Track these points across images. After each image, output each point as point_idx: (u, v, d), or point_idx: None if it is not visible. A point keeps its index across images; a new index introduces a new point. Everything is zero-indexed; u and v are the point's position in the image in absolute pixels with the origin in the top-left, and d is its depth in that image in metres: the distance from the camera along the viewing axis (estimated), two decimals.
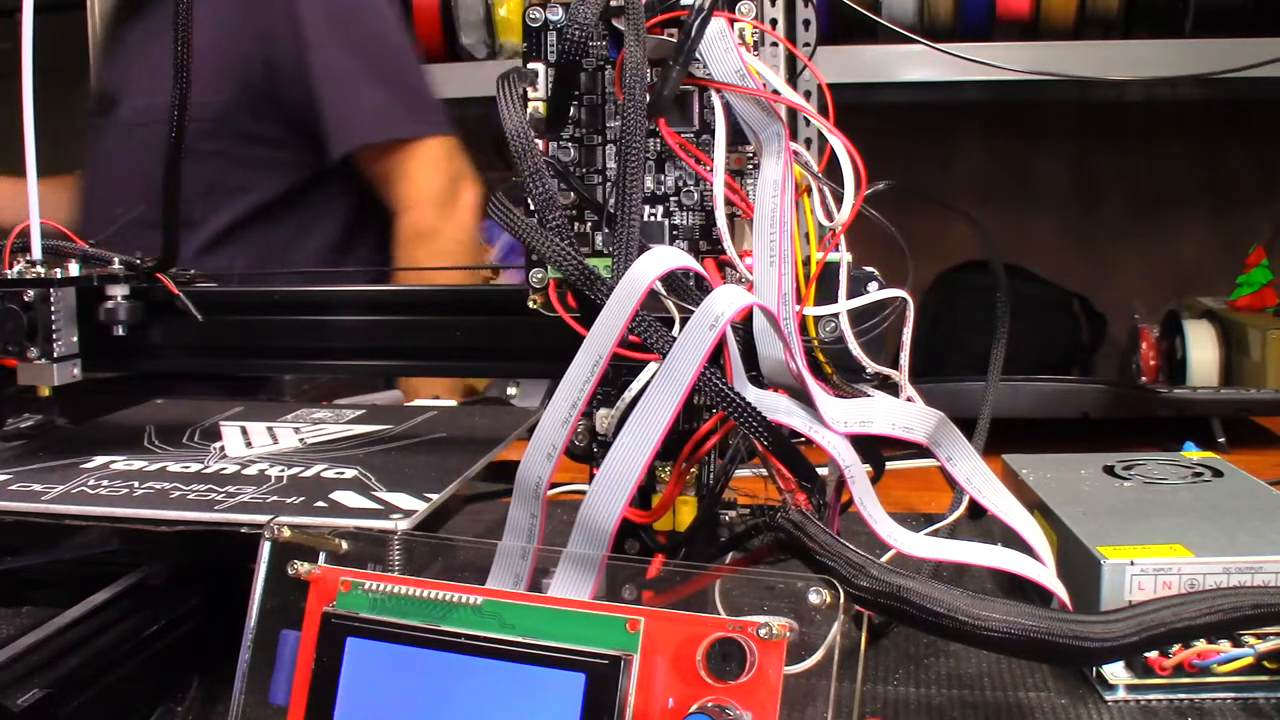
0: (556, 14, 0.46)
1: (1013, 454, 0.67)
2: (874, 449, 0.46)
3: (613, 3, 0.45)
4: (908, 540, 0.43)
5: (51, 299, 0.60)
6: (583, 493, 0.39)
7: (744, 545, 0.44)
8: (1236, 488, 0.60)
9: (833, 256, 0.45)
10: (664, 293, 0.42)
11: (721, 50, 0.43)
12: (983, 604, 0.37)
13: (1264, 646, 0.46)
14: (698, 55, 0.44)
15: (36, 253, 0.61)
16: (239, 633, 0.40)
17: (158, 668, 0.48)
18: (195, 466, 0.58)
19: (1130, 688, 0.47)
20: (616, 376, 0.44)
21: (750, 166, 0.46)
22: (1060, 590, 0.43)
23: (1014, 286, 0.60)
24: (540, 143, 0.46)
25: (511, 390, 1.25)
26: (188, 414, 0.72)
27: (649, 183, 0.47)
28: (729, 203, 0.45)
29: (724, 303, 0.38)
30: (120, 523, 0.50)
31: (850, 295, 0.45)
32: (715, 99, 0.44)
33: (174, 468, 0.57)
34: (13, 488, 0.54)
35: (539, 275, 0.46)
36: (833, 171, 0.45)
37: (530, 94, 0.46)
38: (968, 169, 1.55)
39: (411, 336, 0.63)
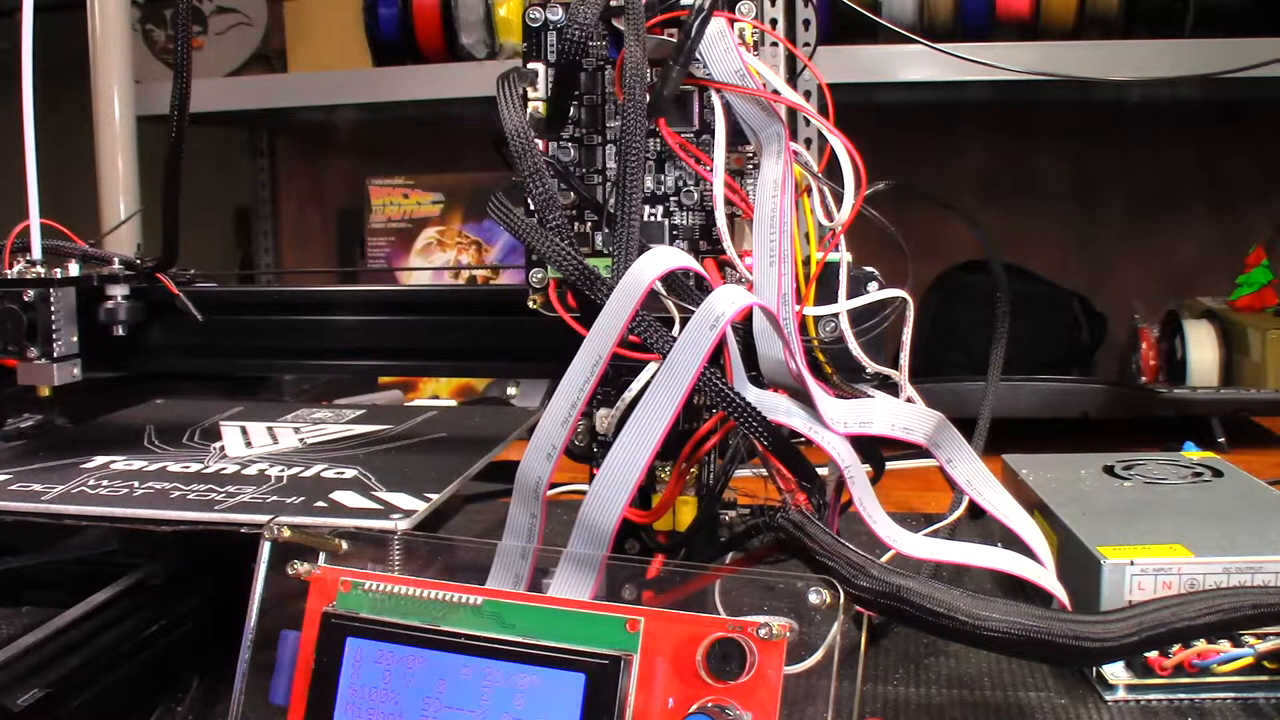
0: (556, 14, 0.46)
1: (1013, 454, 0.67)
2: (874, 449, 0.46)
3: (613, 3, 0.45)
4: (907, 541, 0.43)
5: (51, 299, 0.60)
6: (583, 493, 0.39)
7: (744, 545, 0.44)
8: (1236, 488, 0.60)
9: (833, 256, 0.45)
10: (664, 293, 0.42)
11: (721, 50, 0.43)
12: (983, 604, 0.37)
13: (1264, 646, 0.46)
14: (698, 55, 0.43)
15: (36, 253, 0.61)
16: (239, 633, 0.40)
17: (158, 668, 0.48)
18: (195, 466, 0.58)
19: (1130, 688, 0.47)
20: (616, 376, 0.44)
21: (750, 166, 0.46)
22: (1060, 591, 0.43)
23: (1014, 286, 0.60)
24: (540, 143, 0.46)
25: (511, 390, 1.25)
26: (188, 414, 0.72)
27: (649, 183, 0.47)
28: (729, 203, 0.45)
29: (724, 303, 0.38)
30: (120, 523, 0.50)
31: (850, 295, 0.45)
32: (715, 99, 0.44)
33: (174, 468, 0.57)
34: (13, 488, 0.54)
35: (539, 275, 0.46)
36: (833, 171, 0.45)
37: (530, 94, 0.46)
38: (968, 169, 1.55)
39: (411, 336, 0.63)
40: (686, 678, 0.34)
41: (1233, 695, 0.47)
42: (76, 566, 0.56)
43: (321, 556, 0.40)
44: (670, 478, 0.45)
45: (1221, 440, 0.95)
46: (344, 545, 0.41)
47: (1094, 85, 1.31)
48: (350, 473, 0.56)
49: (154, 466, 0.58)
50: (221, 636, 0.43)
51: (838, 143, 0.44)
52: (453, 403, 1.24)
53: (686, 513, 0.46)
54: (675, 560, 0.44)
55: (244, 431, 0.67)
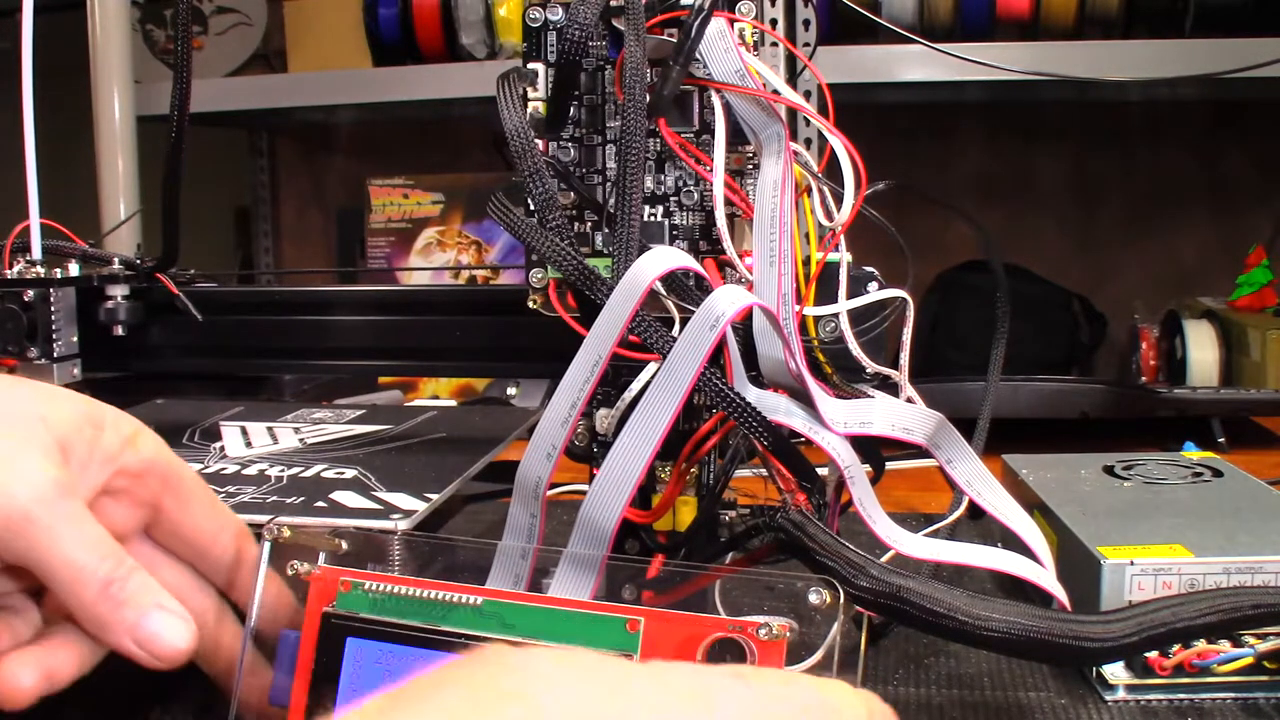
0: (556, 14, 0.46)
1: (1013, 454, 0.67)
2: (874, 449, 0.46)
3: (613, 3, 0.45)
4: (907, 541, 0.43)
5: (51, 299, 0.60)
6: (583, 493, 0.39)
7: (744, 545, 0.43)
8: (1236, 488, 0.60)
9: (833, 256, 0.45)
10: (664, 293, 0.42)
11: (721, 50, 0.43)
12: (983, 604, 0.37)
13: (1264, 646, 0.46)
14: (698, 55, 0.43)
15: (36, 253, 0.61)
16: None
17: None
18: (195, 466, 0.58)
19: (1130, 688, 0.47)
20: (616, 376, 0.44)
21: (750, 166, 0.46)
22: (1059, 592, 0.43)
23: (1014, 286, 0.60)
24: (540, 143, 0.46)
25: (511, 390, 1.25)
26: (188, 414, 0.72)
27: (649, 183, 0.47)
28: (729, 203, 0.45)
29: (725, 303, 0.38)
30: None
31: (850, 295, 0.45)
32: (715, 99, 0.44)
33: None
34: None
35: (539, 275, 0.46)
36: (833, 171, 0.45)
37: (530, 94, 0.46)
38: (968, 169, 1.55)
39: (411, 336, 0.63)
40: None
41: (1233, 695, 0.47)
42: None
43: (321, 556, 0.40)
44: (670, 478, 0.45)
45: (1221, 440, 0.95)
46: (344, 545, 0.41)
47: (1094, 85, 1.31)
48: (350, 473, 0.56)
49: None
50: None
51: (838, 143, 0.44)
52: (453, 403, 1.24)
53: (686, 513, 0.46)
54: (675, 560, 0.44)
55: (244, 431, 0.67)
